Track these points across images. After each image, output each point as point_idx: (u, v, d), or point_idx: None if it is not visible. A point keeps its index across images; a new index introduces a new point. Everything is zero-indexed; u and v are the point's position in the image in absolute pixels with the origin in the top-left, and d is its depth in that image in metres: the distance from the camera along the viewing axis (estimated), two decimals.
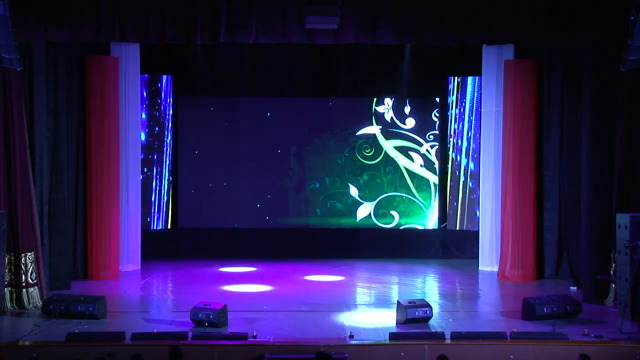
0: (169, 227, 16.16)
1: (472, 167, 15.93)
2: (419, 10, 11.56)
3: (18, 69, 11.30)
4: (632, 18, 10.37)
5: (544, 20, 11.60)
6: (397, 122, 16.30)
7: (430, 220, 16.37)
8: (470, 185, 15.99)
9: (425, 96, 16.42)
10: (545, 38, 11.84)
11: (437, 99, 16.35)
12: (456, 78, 16.08)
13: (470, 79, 15.95)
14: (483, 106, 15.17)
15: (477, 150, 15.67)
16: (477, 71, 15.30)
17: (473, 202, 15.91)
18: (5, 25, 10.46)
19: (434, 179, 16.36)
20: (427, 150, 16.32)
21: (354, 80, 16.08)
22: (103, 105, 13.94)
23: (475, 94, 15.85)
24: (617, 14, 11.12)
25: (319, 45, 12.03)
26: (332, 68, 15.76)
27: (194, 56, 15.40)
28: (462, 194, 16.10)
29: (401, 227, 16.35)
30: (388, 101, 16.30)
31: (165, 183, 16.05)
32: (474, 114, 15.84)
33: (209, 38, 11.58)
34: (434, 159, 16.35)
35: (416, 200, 16.33)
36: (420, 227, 16.36)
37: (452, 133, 16.16)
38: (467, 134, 15.99)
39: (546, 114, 14.13)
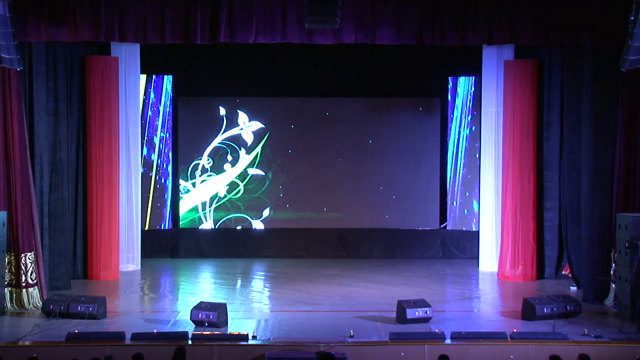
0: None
1: (464, 169, 16.08)
2: (419, 10, 11.56)
3: (18, 69, 11.31)
4: (632, 18, 10.38)
5: (544, 20, 11.59)
6: (396, 121, 16.35)
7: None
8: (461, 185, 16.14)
9: (424, 96, 16.43)
10: (545, 38, 11.82)
11: (433, 99, 16.40)
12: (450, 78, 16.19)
13: (462, 79, 16.03)
14: (483, 106, 15.18)
15: (475, 150, 15.74)
16: (476, 71, 15.31)
17: (465, 202, 16.00)
18: (5, 25, 10.46)
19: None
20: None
21: (356, 81, 16.10)
22: (103, 105, 13.94)
23: (469, 94, 15.95)
24: (617, 14, 11.11)
25: (320, 46, 12.02)
26: (333, 68, 15.76)
27: (194, 56, 15.38)
28: (459, 194, 16.19)
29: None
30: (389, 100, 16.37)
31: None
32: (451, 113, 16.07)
33: (209, 38, 11.56)
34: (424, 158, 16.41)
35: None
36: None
37: (451, 133, 16.21)
38: (462, 133, 16.07)
39: (546, 114, 14.13)
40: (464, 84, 16.03)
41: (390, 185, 16.40)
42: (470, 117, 15.97)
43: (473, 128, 15.92)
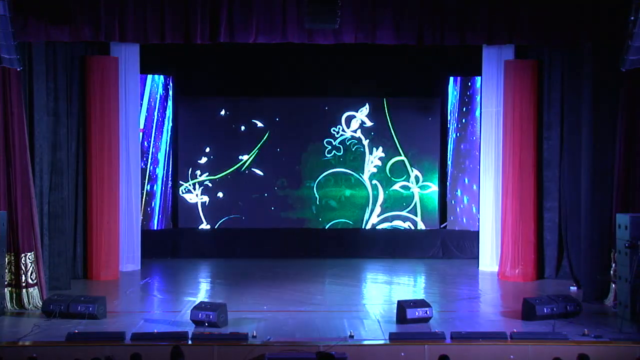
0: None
1: (452, 168, 16.15)
2: (419, 10, 11.57)
3: (18, 69, 11.31)
4: (632, 18, 10.39)
5: (544, 20, 11.60)
6: (396, 121, 16.36)
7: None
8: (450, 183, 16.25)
9: (424, 96, 16.43)
10: (545, 38, 11.84)
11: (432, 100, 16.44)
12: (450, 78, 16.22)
13: (451, 79, 16.09)
14: (483, 106, 15.18)
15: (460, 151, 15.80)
16: (476, 71, 15.31)
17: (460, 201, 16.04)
18: (5, 25, 10.46)
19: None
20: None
21: (356, 80, 16.10)
22: (103, 105, 13.94)
23: (456, 98, 16.02)
24: (617, 14, 11.12)
25: (320, 45, 12.03)
26: (333, 68, 15.75)
27: (194, 56, 15.37)
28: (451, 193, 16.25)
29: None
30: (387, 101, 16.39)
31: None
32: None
33: (209, 38, 11.58)
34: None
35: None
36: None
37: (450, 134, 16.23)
38: (451, 135, 16.14)
39: (546, 114, 14.13)
40: (452, 87, 16.08)
41: (391, 185, 16.39)
42: (456, 124, 16.01)
43: (458, 134, 16.01)
